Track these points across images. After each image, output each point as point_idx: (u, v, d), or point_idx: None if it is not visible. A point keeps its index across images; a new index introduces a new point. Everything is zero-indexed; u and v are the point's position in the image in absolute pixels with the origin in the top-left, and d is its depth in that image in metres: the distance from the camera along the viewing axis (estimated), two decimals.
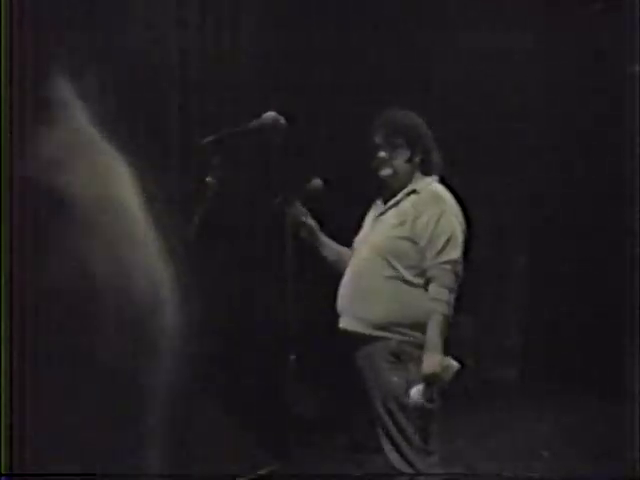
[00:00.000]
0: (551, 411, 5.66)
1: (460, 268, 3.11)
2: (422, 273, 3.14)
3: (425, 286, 3.12)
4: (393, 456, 3.14)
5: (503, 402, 6.05)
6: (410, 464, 3.11)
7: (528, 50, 6.53)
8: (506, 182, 6.76)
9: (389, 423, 3.13)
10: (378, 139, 3.30)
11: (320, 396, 5.37)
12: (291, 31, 5.40)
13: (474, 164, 6.37)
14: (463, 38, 6.40)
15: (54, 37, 3.85)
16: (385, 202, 3.34)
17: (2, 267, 3.58)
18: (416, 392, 3.06)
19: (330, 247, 3.44)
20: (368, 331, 3.16)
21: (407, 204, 3.21)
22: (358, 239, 3.37)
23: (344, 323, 3.26)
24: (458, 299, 3.27)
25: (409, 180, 3.27)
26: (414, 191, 3.23)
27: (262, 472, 4.50)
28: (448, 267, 3.08)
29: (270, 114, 2.70)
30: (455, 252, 3.10)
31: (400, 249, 3.16)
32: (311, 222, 3.39)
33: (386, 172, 3.29)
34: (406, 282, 3.13)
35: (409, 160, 3.27)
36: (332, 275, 3.42)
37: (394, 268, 3.15)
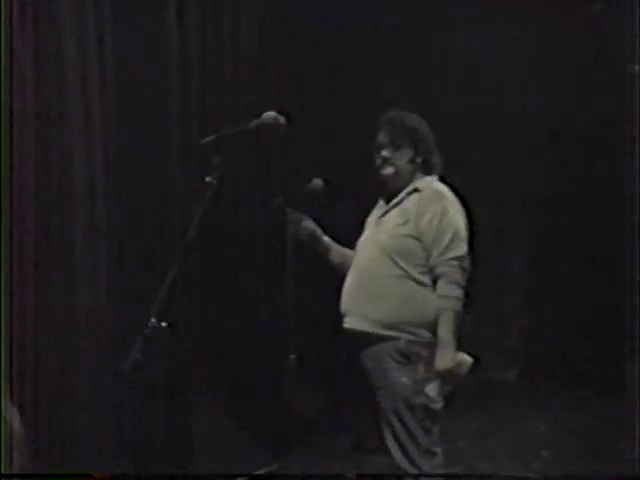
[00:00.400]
0: (551, 411, 5.66)
1: (467, 263, 3.12)
2: (429, 271, 3.15)
3: (433, 284, 3.14)
4: (398, 456, 3.14)
5: (503, 402, 6.06)
6: (415, 465, 3.11)
7: (528, 50, 6.53)
8: (506, 182, 6.76)
9: (396, 423, 3.13)
10: (381, 138, 3.33)
11: (321, 396, 5.37)
12: (291, 31, 5.40)
13: (474, 164, 6.37)
14: (463, 38, 6.41)
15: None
16: (387, 202, 3.34)
17: (2, 267, 3.59)
18: (432, 389, 3.07)
19: (334, 250, 3.46)
20: (376, 330, 3.15)
21: (410, 203, 3.23)
22: (361, 240, 3.38)
23: (350, 323, 3.26)
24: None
25: (410, 180, 3.29)
26: (416, 189, 3.25)
27: (262, 472, 4.51)
28: (455, 263, 3.09)
29: (270, 114, 2.70)
30: (461, 248, 3.12)
31: (405, 247, 3.17)
32: (311, 226, 3.39)
33: (388, 171, 3.31)
34: (413, 280, 3.14)
35: (411, 160, 3.30)
36: (333, 275, 3.42)
37: (400, 267, 3.16)
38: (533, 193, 6.82)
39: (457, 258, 3.09)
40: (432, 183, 3.28)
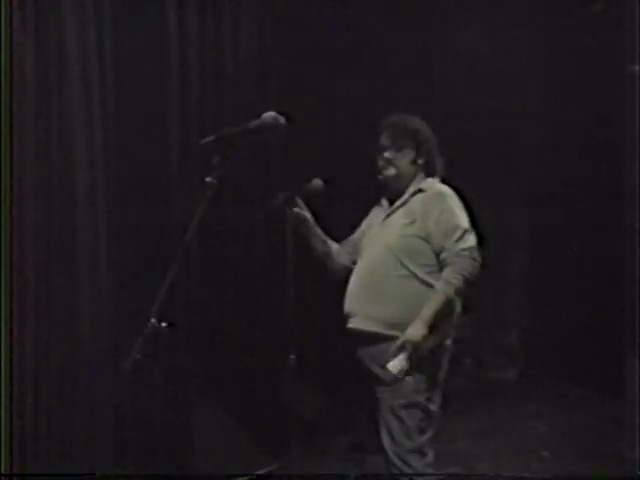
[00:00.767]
0: (551, 411, 5.66)
1: (477, 254, 3.16)
2: (435, 271, 3.19)
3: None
4: (391, 453, 3.15)
5: (503, 402, 6.06)
6: (407, 463, 3.13)
7: (528, 50, 6.53)
8: (505, 182, 6.76)
9: (394, 421, 3.14)
10: (384, 140, 3.37)
11: (320, 396, 5.37)
12: (291, 31, 5.39)
13: (473, 164, 6.37)
14: (463, 38, 6.41)
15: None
16: (390, 203, 3.37)
17: (2, 267, 3.59)
18: (397, 362, 3.07)
19: (320, 239, 3.47)
20: (382, 330, 3.17)
21: (415, 203, 3.27)
22: (365, 241, 3.39)
23: (355, 323, 3.27)
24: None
25: (412, 181, 3.35)
26: (420, 190, 3.31)
27: (262, 472, 4.51)
28: (466, 254, 3.14)
29: (270, 114, 2.70)
30: (471, 240, 3.17)
31: (412, 247, 3.20)
32: (305, 214, 3.39)
33: (390, 172, 3.35)
34: (420, 281, 3.18)
35: (413, 162, 3.36)
36: (333, 275, 3.43)
37: (407, 267, 3.19)
38: (533, 193, 6.82)
39: (468, 249, 3.14)
40: (435, 184, 3.33)
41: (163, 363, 4.14)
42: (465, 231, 3.17)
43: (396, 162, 3.34)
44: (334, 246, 3.48)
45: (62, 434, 3.84)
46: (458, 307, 3.26)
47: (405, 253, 3.19)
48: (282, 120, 2.70)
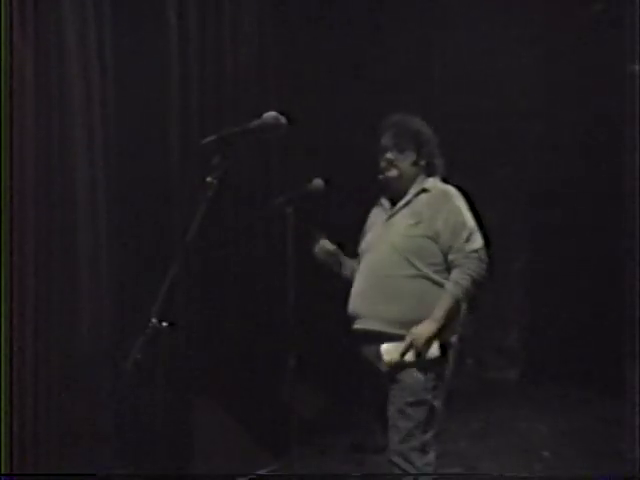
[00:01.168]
0: (551, 411, 5.66)
1: (484, 254, 3.18)
2: (443, 270, 3.20)
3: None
4: (394, 452, 3.14)
5: (503, 402, 6.06)
6: (409, 461, 3.12)
7: (528, 50, 6.54)
8: (505, 182, 6.77)
9: (400, 418, 3.13)
10: (386, 141, 3.37)
11: (321, 396, 5.37)
12: (292, 31, 5.40)
13: (474, 164, 6.37)
14: (463, 38, 6.41)
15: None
16: (392, 203, 3.37)
17: (2, 268, 3.59)
18: (391, 347, 3.08)
19: (346, 264, 3.47)
20: (392, 330, 3.16)
21: (420, 203, 3.27)
22: (367, 241, 3.39)
23: (362, 323, 3.26)
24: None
25: (413, 182, 3.34)
26: (424, 190, 3.30)
27: (262, 472, 4.51)
28: (475, 255, 3.16)
29: (271, 114, 2.69)
30: (478, 241, 3.19)
31: (420, 247, 3.21)
32: (331, 246, 3.40)
33: (392, 173, 3.35)
34: (428, 280, 3.18)
35: (415, 163, 3.35)
36: (333, 275, 3.42)
37: (415, 266, 3.19)
38: (533, 193, 6.82)
39: (476, 250, 3.17)
40: (438, 183, 3.34)
41: (163, 363, 4.14)
42: (473, 231, 3.19)
43: (398, 163, 3.33)
44: (355, 264, 3.47)
45: (62, 434, 3.84)
46: (464, 306, 3.27)
47: (412, 253, 3.20)
48: (283, 120, 2.70)
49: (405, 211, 3.29)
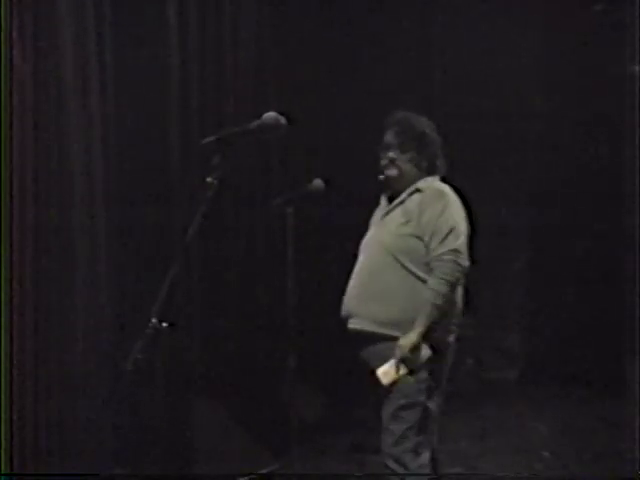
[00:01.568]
0: (551, 411, 5.66)
1: (463, 257, 3.12)
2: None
3: None
4: (388, 453, 3.14)
5: (503, 402, 6.06)
6: (403, 464, 3.12)
7: (528, 50, 6.54)
8: (506, 182, 6.77)
9: (392, 422, 3.13)
10: (389, 139, 3.34)
11: (320, 396, 5.37)
12: (292, 31, 5.39)
13: (474, 164, 6.37)
14: (463, 38, 6.41)
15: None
16: (390, 202, 3.35)
17: (2, 268, 3.59)
18: (387, 368, 3.08)
19: None
20: (382, 330, 3.16)
21: (412, 202, 3.25)
22: (365, 240, 3.38)
23: (355, 323, 3.26)
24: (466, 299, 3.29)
25: (413, 182, 3.30)
26: (418, 190, 3.27)
27: (262, 472, 4.51)
28: (448, 257, 3.10)
29: (271, 114, 2.69)
30: (456, 242, 3.12)
31: (409, 247, 3.18)
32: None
33: (392, 172, 3.32)
34: (418, 279, 3.16)
35: (416, 164, 3.32)
36: (333, 275, 3.42)
37: (404, 266, 3.17)
38: (533, 193, 6.82)
39: (450, 252, 3.10)
40: (433, 183, 3.30)
41: (163, 363, 4.14)
42: (452, 232, 3.12)
43: (399, 163, 3.30)
44: None
45: (62, 434, 3.84)
46: (459, 304, 3.26)
47: (402, 252, 3.18)
48: (283, 120, 2.70)
49: (398, 210, 3.27)
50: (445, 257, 3.10)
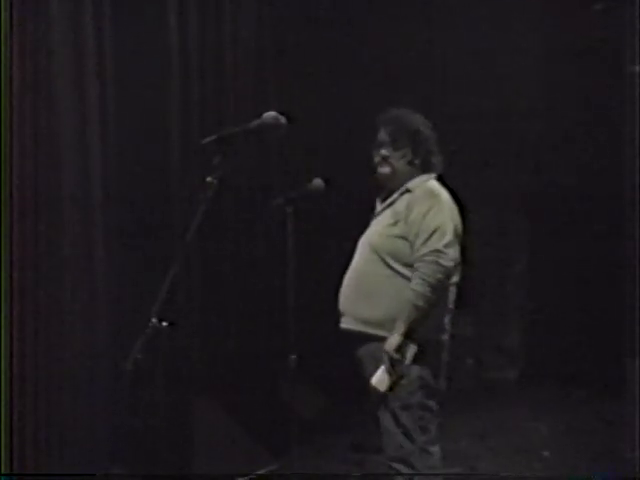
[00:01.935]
0: (551, 411, 5.66)
1: (446, 258, 3.07)
2: None
3: None
4: (393, 456, 3.13)
5: (503, 402, 6.06)
6: (411, 465, 3.11)
7: (528, 50, 6.53)
8: (506, 182, 6.77)
9: (392, 423, 3.13)
10: (382, 136, 3.30)
11: (320, 396, 5.37)
12: (291, 30, 5.39)
13: (474, 164, 6.38)
14: (463, 38, 6.41)
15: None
16: (383, 201, 3.34)
17: (2, 268, 3.59)
18: (380, 375, 3.07)
19: None
20: (370, 330, 3.16)
21: (401, 203, 3.22)
22: (360, 240, 3.38)
23: (346, 323, 3.27)
24: (459, 297, 3.28)
25: (407, 180, 3.27)
26: (408, 190, 3.24)
27: (262, 472, 4.51)
28: (429, 258, 3.06)
29: (270, 114, 2.69)
30: (439, 242, 3.08)
31: (396, 247, 3.16)
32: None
33: (385, 170, 3.29)
34: (405, 279, 3.13)
35: (410, 162, 3.28)
36: (333, 274, 3.42)
37: (391, 267, 3.16)
38: (533, 193, 6.82)
39: (432, 252, 3.06)
40: (426, 182, 3.25)
41: (163, 363, 4.13)
42: (436, 232, 3.08)
43: (392, 161, 3.26)
44: None
45: (62, 434, 3.84)
46: (451, 303, 3.25)
47: (389, 253, 3.16)
48: (283, 120, 2.70)
49: (388, 211, 3.25)
50: (427, 258, 3.06)
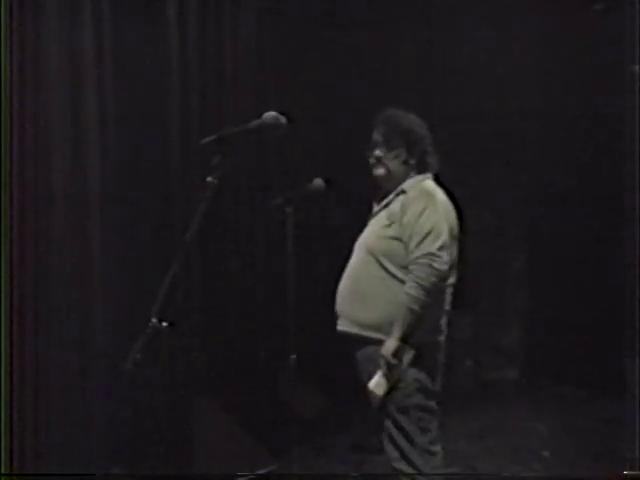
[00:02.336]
0: (551, 411, 5.66)
1: (439, 261, 3.05)
2: None
3: None
4: (395, 458, 3.13)
5: (503, 401, 6.06)
6: (413, 465, 3.11)
7: (528, 50, 6.53)
8: (506, 182, 6.76)
9: (391, 426, 3.13)
10: (377, 137, 3.29)
11: (321, 396, 5.36)
12: (291, 30, 5.39)
13: (475, 165, 6.38)
14: (463, 38, 6.41)
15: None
16: (379, 202, 3.33)
17: (2, 267, 3.59)
18: (377, 379, 3.07)
19: None
20: (366, 333, 3.15)
21: (397, 204, 3.20)
22: (358, 241, 3.37)
23: (342, 325, 3.26)
24: (456, 298, 3.28)
25: (402, 181, 3.26)
26: (403, 191, 3.23)
27: (262, 472, 4.51)
28: (422, 261, 3.05)
29: (270, 114, 2.69)
30: (433, 245, 3.06)
31: (391, 249, 3.15)
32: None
33: (379, 171, 3.28)
34: (400, 282, 3.12)
35: (405, 162, 3.26)
36: (332, 275, 3.42)
37: (386, 269, 3.15)
38: (533, 193, 6.82)
39: (425, 255, 3.05)
40: (421, 182, 3.24)
41: (163, 363, 4.14)
42: (430, 234, 3.07)
43: (387, 161, 3.25)
44: None
45: (62, 434, 3.84)
46: (447, 304, 3.24)
47: (384, 255, 3.15)
48: (283, 120, 2.69)
49: (384, 212, 3.24)
50: (420, 261, 3.04)
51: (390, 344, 3.05)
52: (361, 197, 3.64)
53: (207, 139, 2.54)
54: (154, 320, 2.41)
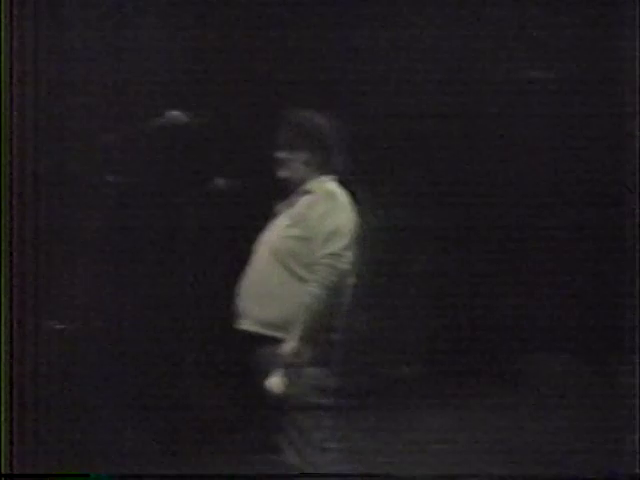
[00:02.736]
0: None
1: (342, 261, 3.10)
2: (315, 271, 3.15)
3: None
4: (291, 454, 3.16)
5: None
6: (310, 462, 3.14)
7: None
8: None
9: (287, 424, 3.14)
10: (280, 138, 3.31)
11: (219, 397, 5.29)
12: (198, 29, 5.29)
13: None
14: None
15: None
16: (281, 203, 3.36)
17: (2, 267, 3.59)
18: (274, 379, 3.08)
19: None
20: (266, 332, 3.17)
21: (301, 204, 3.24)
22: (259, 240, 3.36)
23: (243, 324, 3.28)
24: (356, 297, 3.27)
25: (305, 181, 3.29)
26: (306, 192, 3.25)
27: (262, 473, 4.48)
28: (327, 261, 3.08)
29: (173, 113, 2.69)
30: (337, 245, 3.10)
31: (293, 249, 3.18)
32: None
33: (283, 173, 3.30)
34: (301, 281, 3.14)
35: (307, 162, 3.28)
36: (232, 274, 3.40)
37: (288, 268, 3.17)
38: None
39: (329, 256, 3.08)
40: (325, 183, 3.28)
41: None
42: (333, 235, 3.11)
43: (289, 163, 3.28)
44: None
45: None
46: (346, 302, 3.25)
47: (287, 254, 3.17)
48: (186, 119, 2.68)
49: (287, 212, 3.27)
50: (324, 261, 3.08)
51: (290, 343, 3.07)
52: (263, 197, 3.60)
53: (110, 136, 2.53)
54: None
